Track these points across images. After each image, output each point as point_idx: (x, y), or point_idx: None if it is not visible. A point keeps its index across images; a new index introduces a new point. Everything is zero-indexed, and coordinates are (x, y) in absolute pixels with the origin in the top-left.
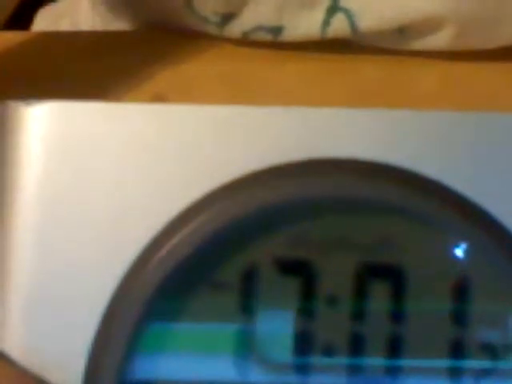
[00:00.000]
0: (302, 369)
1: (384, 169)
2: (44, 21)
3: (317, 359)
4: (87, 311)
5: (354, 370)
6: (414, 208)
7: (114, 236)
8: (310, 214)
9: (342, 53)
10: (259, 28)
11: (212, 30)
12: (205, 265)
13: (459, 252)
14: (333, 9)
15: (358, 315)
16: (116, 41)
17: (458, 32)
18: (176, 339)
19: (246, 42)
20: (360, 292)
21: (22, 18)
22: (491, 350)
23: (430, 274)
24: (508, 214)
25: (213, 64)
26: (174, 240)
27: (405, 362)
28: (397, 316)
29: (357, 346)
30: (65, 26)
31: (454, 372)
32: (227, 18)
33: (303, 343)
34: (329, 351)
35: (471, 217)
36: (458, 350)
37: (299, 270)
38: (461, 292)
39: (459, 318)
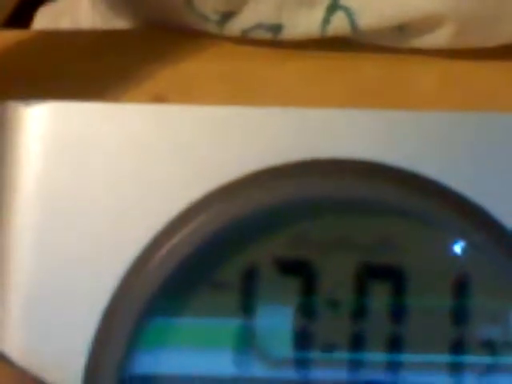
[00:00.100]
0: (302, 365)
1: (383, 169)
2: (44, 19)
3: (317, 357)
4: (87, 310)
5: (355, 367)
6: (413, 208)
7: (113, 235)
8: (310, 214)
9: (341, 51)
10: (259, 26)
11: (212, 28)
12: (205, 265)
13: (459, 251)
14: (333, 7)
15: (359, 315)
16: (116, 40)
17: (457, 30)
18: (176, 335)
19: (246, 40)
20: (360, 292)
21: (22, 17)
22: (492, 347)
23: (430, 273)
24: (507, 213)
25: (213, 63)
26: (174, 240)
27: (405, 359)
28: (397, 315)
29: (357, 345)
30: (65, 24)
31: (455, 369)
32: (227, 16)
33: (303, 342)
34: (329, 350)
35: (470, 216)
36: (458, 347)
37: (299, 270)
38: (461, 290)
39: (459, 316)
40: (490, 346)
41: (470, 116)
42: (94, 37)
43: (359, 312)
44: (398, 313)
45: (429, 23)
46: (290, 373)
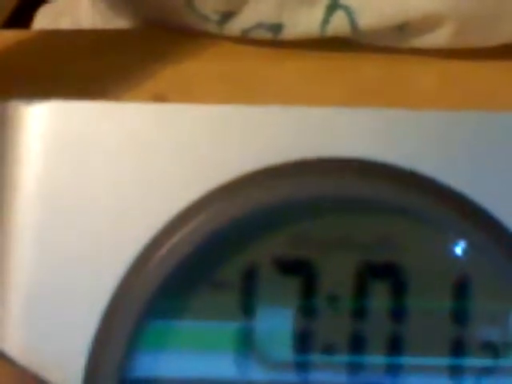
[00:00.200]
0: (303, 367)
1: (383, 168)
2: (44, 19)
3: (317, 357)
4: (87, 310)
5: (355, 368)
6: (413, 207)
7: (113, 234)
8: (310, 214)
9: (341, 51)
10: (259, 26)
11: (212, 28)
12: (205, 264)
13: (459, 250)
14: (333, 6)
15: (359, 314)
16: (116, 39)
17: (457, 30)
18: (176, 337)
19: (246, 40)
20: (360, 291)
21: (22, 16)
22: (492, 348)
23: (430, 272)
24: (507, 212)
25: (213, 63)
26: (174, 239)
27: (405, 361)
28: (397, 315)
29: (357, 344)
30: (65, 24)
31: (455, 370)
32: (227, 16)
33: (303, 342)
34: (329, 350)
35: (470, 215)
36: (458, 348)
37: (299, 270)
38: (461, 290)
39: (459, 316)
40: (490, 348)
41: (470, 115)
42: (95, 36)
43: (359, 311)
44: (398, 312)
45: (429, 23)
46: (290, 375)
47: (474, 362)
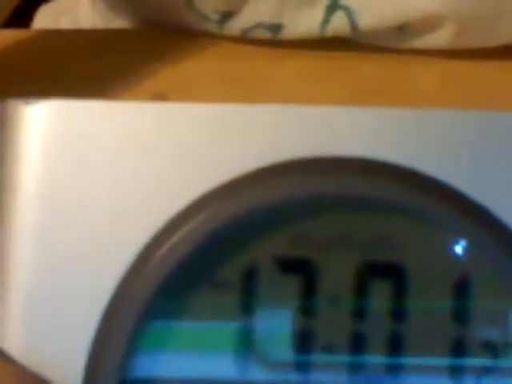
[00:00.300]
0: (303, 367)
1: (384, 167)
2: (45, 18)
3: (317, 357)
4: (87, 309)
5: (355, 368)
6: (414, 206)
7: (113, 234)
8: (311, 213)
9: (341, 51)
10: (259, 26)
11: (212, 28)
12: (205, 264)
13: (459, 250)
14: (332, 7)
15: (359, 314)
16: (116, 39)
17: (457, 30)
18: (176, 337)
19: (245, 40)
20: (361, 290)
21: (22, 16)
22: (492, 348)
23: (431, 272)
24: (508, 212)
25: (213, 62)
26: (175, 238)
27: (406, 360)
28: (397, 314)
29: (358, 344)
30: (65, 23)
31: (455, 370)
32: (227, 15)
33: (304, 342)
34: (329, 350)
35: (471, 215)
36: (458, 347)
37: (300, 269)
38: (461, 290)
39: (460, 315)
40: (490, 347)
41: (470, 114)
42: (95, 36)
43: (359, 311)
44: (398, 312)
45: (429, 23)
46: (290, 375)
47: (474, 361)
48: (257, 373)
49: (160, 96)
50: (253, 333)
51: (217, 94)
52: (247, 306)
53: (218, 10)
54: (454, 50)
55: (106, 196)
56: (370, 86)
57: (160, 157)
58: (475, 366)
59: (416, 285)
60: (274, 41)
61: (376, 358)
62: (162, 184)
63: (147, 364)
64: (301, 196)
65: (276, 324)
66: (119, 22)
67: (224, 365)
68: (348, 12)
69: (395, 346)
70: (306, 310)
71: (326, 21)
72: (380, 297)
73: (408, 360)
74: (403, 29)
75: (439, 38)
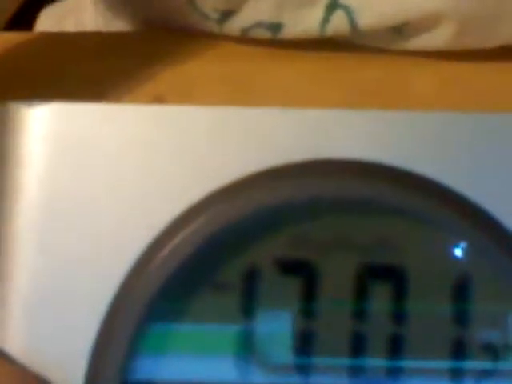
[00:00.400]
0: (303, 370)
1: (383, 169)
2: (48, 21)
3: (318, 360)
4: (88, 312)
5: (355, 371)
6: (413, 208)
7: (115, 237)
8: (310, 215)
9: (340, 53)
10: (259, 25)
11: (212, 27)
12: (206, 266)
13: (459, 252)
14: (332, 6)
15: (359, 316)
16: (117, 42)
17: (457, 30)
18: (178, 340)
19: (246, 42)
20: (360, 292)
21: (24, 18)
22: (492, 350)
23: (430, 274)
24: (507, 213)
25: (213, 64)
26: (176, 241)
27: (406, 363)
28: (397, 316)
29: (358, 346)
30: (69, 26)
31: (455, 372)
32: (227, 14)
33: (304, 344)
34: (330, 352)
35: (470, 216)
36: (459, 350)
37: (300, 271)
38: (461, 292)
39: (460, 317)
40: (490, 350)
41: (469, 116)
42: (96, 39)
43: (359, 313)
44: (398, 314)
45: (428, 23)
46: (291, 378)
47: (474, 363)
48: (257, 376)
49: (160, 98)
50: (253, 335)
51: (217, 96)
52: (248, 308)
53: (218, 9)
54: (452, 52)
55: (107, 198)
56: (369, 88)
57: (160, 159)
58: (475, 368)
59: (416, 287)
60: (273, 43)
61: (376, 361)
62: (163, 186)
63: (148, 367)
64: (301, 198)
65: (276, 326)
66: (120, 24)
67: (225, 368)
68: (348, 11)
69: (395, 348)
70: (306, 312)
71: (325, 20)
72: (380, 299)
73: (408, 363)
74: (402, 29)
75: (439, 38)
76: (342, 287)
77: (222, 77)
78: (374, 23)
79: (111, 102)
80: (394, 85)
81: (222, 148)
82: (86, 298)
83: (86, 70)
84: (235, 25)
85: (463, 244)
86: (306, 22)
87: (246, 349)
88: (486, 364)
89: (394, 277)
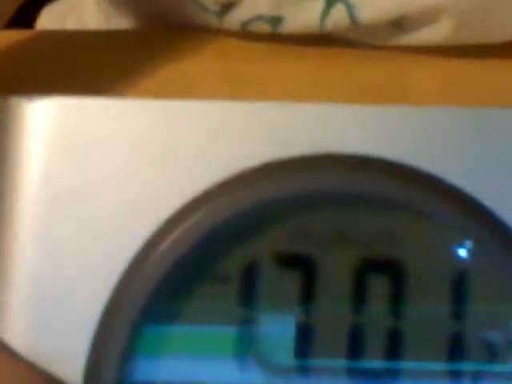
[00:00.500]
0: (303, 370)
1: (384, 164)
2: (49, 19)
3: (316, 355)
4: (88, 308)
5: (354, 372)
6: (413, 203)
7: (115, 232)
8: (310, 209)
9: (341, 49)
10: (259, 18)
11: (211, 20)
12: (205, 259)
13: (459, 248)
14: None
15: (358, 310)
16: (118, 38)
17: (456, 25)
18: (176, 341)
19: (246, 37)
20: (360, 286)
21: (25, 17)
22: (491, 347)
23: (430, 269)
24: (508, 210)
25: (214, 60)
26: (175, 234)
27: (404, 362)
28: (396, 311)
29: (356, 341)
30: (70, 24)
31: (453, 368)
32: (227, 7)
33: (303, 343)
34: (328, 346)
35: (471, 212)
36: (457, 346)
37: (299, 265)
38: (461, 288)
39: (459, 314)
40: (489, 347)
41: (471, 111)
42: (97, 36)
43: (358, 307)
44: (397, 309)
45: (428, 17)
46: (290, 379)
47: (472, 360)
48: (256, 376)
49: (162, 94)
50: (252, 336)
51: (218, 92)
52: (247, 302)
53: (218, 2)
54: (454, 49)
55: (107, 192)
56: (370, 85)
57: (161, 154)
58: (473, 366)
59: (415, 282)
60: (274, 39)
61: (375, 360)
62: (162, 181)
63: (146, 368)
64: (301, 192)
65: (275, 319)
66: (121, 22)
67: (223, 368)
68: (348, 5)
69: (394, 344)
70: (306, 305)
71: (325, 13)
72: (379, 293)
73: (406, 361)
74: (402, 23)
75: (438, 33)
76: (341, 281)
77: (222, 73)
78: (374, 17)
79: (112, 96)
80: (395, 82)
81: (223, 142)
82: (86, 296)
83: (86, 66)
84: (235, 18)
85: (463, 240)
86: (305, 15)
87: (245, 349)
88: (484, 361)
89: (394, 271)
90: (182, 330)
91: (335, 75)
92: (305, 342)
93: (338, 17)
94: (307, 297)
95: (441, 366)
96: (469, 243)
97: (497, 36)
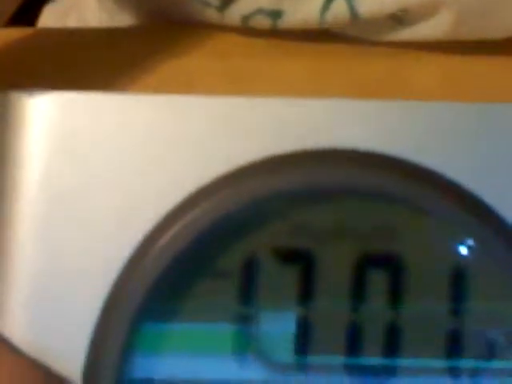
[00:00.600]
0: (301, 367)
1: (384, 159)
2: (50, 17)
3: (315, 351)
4: (88, 305)
5: (353, 363)
6: (413, 198)
7: (115, 226)
8: (310, 204)
9: (342, 45)
10: (259, 12)
11: (212, 14)
12: (205, 254)
13: (458, 243)
14: None
15: (357, 304)
16: (118, 35)
17: (456, 20)
18: (175, 338)
19: (246, 34)
20: (359, 281)
21: (26, 15)
22: (489, 344)
23: (429, 264)
24: (508, 206)
25: (214, 57)
26: (174, 229)
27: (402, 356)
28: (395, 306)
29: (355, 337)
30: (72, 22)
31: (452, 365)
32: (227, 1)
33: (302, 335)
34: (327, 343)
35: (471, 208)
36: (455, 342)
37: (299, 259)
38: (460, 283)
39: (458, 309)
40: (487, 344)
41: (472, 106)
42: (98, 33)
43: (358, 301)
44: (396, 303)
45: (428, 10)
46: (289, 375)
47: (470, 357)
48: (256, 373)
49: (163, 89)
50: (251, 333)
51: (218, 88)
52: (246, 299)
53: None
54: (455, 45)
55: (107, 187)
56: (371, 82)
57: (161, 149)
58: (472, 362)
59: (414, 277)
60: (274, 35)
61: (373, 356)
62: (163, 176)
63: (145, 365)
64: (300, 187)
65: (275, 324)
66: (123, 19)
67: (222, 365)
68: None
69: (392, 340)
70: (305, 300)
71: (325, 7)
72: (379, 288)
73: (404, 358)
74: (401, 18)
75: (437, 28)
76: (341, 276)
77: (222, 69)
78: (373, 11)
79: (113, 91)
80: (396, 78)
81: (224, 137)
82: (86, 292)
83: (87, 62)
84: (235, 12)
85: (463, 235)
86: (306, 9)
87: (244, 346)
88: (483, 357)
89: (393, 266)
90: (181, 327)
91: (336, 71)
92: (304, 339)
93: (338, 10)
94: (306, 292)
95: (439, 362)
96: (468, 239)
97: (497, 32)
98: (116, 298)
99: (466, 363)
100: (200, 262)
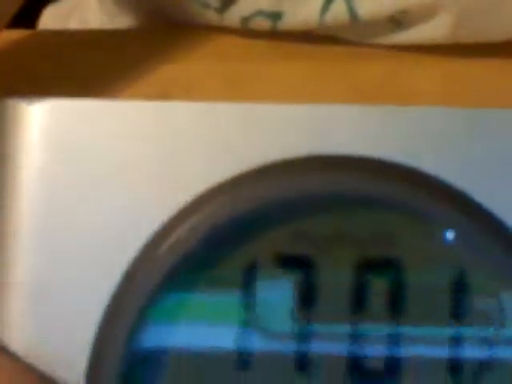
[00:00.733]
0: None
1: (383, 165)
2: (51, 19)
3: (316, 348)
4: (88, 311)
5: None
6: (412, 203)
7: (116, 231)
8: (310, 210)
9: (342, 49)
10: (259, 13)
11: (212, 16)
12: (206, 259)
13: (457, 245)
14: None
15: (357, 309)
16: (118, 38)
17: (455, 22)
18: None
19: (246, 37)
20: (359, 286)
21: (27, 17)
22: (489, 344)
23: (428, 267)
24: (503, 208)
25: (213, 60)
26: (176, 234)
27: (405, 359)
28: (396, 310)
29: (357, 344)
30: (73, 24)
31: (453, 364)
32: (227, 2)
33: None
34: (329, 346)
35: (468, 211)
36: (456, 346)
37: (299, 265)
38: (459, 285)
39: (457, 310)
40: (486, 341)
41: (466, 112)
42: (97, 35)
43: (358, 306)
44: (396, 308)
45: (428, 12)
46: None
47: (471, 357)
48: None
49: (163, 95)
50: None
51: (217, 92)
52: (247, 302)
53: None
54: (454, 49)
55: (108, 193)
56: (370, 85)
57: (162, 155)
58: (472, 361)
59: (414, 280)
60: (274, 39)
61: (375, 359)
62: (164, 182)
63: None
64: (301, 193)
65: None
66: (123, 21)
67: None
68: (347, 0)
69: (394, 344)
70: (306, 305)
71: (325, 9)
72: (379, 293)
73: (407, 354)
74: (400, 20)
75: (437, 31)
76: (341, 281)
77: (221, 72)
78: (373, 12)
79: (111, 98)
80: (397, 82)
81: (225, 143)
82: (86, 299)
83: (86, 66)
84: (235, 14)
85: (461, 238)
86: (305, 10)
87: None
88: (482, 356)
89: (393, 271)
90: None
91: (335, 74)
92: (307, 344)
93: (338, 12)
94: (307, 298)
95: (441, 362)
96: (466, 241)
97: (497, 35)
98: (117, 304)
99: (466, 363)
100: (202, 267)
